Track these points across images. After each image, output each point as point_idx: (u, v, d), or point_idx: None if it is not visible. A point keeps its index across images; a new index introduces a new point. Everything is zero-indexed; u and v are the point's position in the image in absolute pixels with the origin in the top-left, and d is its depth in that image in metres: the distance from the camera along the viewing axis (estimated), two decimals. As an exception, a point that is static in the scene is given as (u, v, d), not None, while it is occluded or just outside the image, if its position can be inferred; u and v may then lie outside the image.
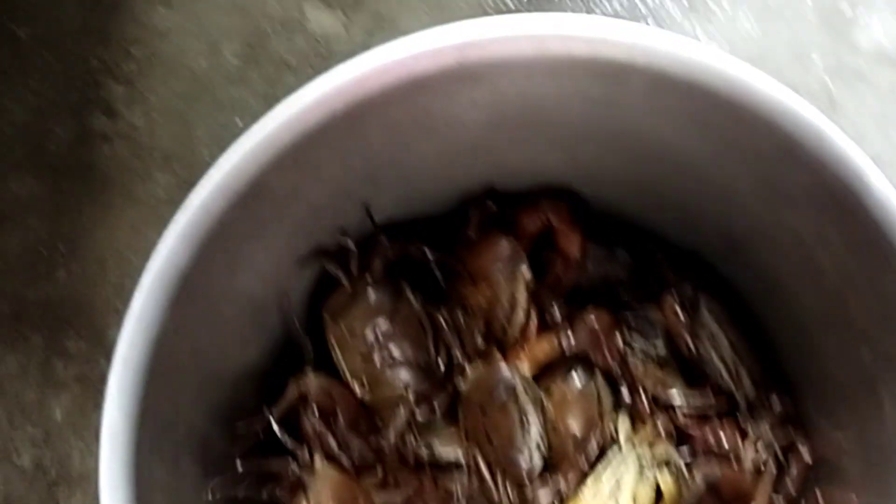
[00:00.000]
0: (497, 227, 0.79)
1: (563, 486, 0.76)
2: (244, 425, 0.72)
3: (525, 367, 0.78)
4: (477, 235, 0.79)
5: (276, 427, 0.74)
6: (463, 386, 0.77)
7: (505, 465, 0.76)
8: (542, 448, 0.76)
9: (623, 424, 0.78)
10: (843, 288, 0.68)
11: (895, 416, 0.66)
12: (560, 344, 0.78)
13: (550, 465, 0.77)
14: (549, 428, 0.77)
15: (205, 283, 0.63)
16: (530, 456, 0.75)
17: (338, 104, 0.60)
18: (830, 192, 0.62)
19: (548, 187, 0.79)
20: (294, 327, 0.77)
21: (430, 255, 0.78)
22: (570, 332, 0.78)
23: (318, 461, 0.75)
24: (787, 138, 0.61)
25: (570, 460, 0.76)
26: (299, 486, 0.75)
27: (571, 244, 0.80)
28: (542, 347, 0.79)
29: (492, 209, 0.79)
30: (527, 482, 0.75)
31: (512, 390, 0.76)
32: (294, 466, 0.74)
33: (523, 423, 0.75)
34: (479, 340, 0.78)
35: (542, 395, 0.78)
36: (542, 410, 0.77)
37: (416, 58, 0.60)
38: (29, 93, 1.06)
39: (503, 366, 0.77)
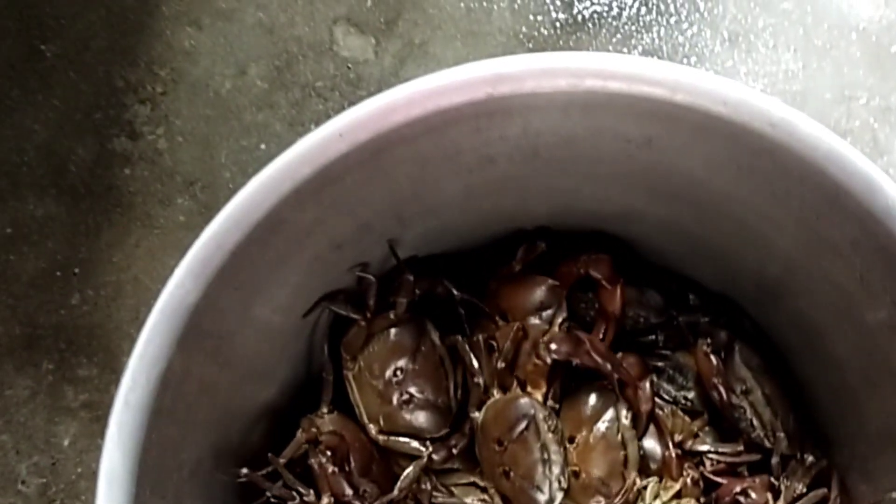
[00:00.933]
0: (536, 268, 0.77)
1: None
2: (250, 473, 0.70)
3: (539, 395, 0.76)
4: (519, 273, 0.77)
5: (282, 472, 0.71)
6: (479, 417, 0.75)
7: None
8: (563, 483, 0.73)
9: (650, 481, 0.76)
10: (888, 341, 0.65)
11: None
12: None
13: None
14: (570, 473, 0.74)
15: (217, 320, 0.61)
16: (550, 493, 0.73)
17: (362, 136, 0.58)
18: (878, 244, 0.60)
19: (583, 231, 0.77)
20: (318, 353, 0.75)
21: (456, 294, 0.75)
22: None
23: (326, 501, 0.72)
24: (834, 186, 0.59)
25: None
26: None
27: (613, 302, 0.77)
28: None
29: (542, 249, 0.76)
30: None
31: (532, 422, 0.73)
32: None
33: (544, 457, 0.73)
34: (501, 365, 0.75)
35: (565, 439, 0.75)
36: (563, 445, 0.74)
37: (444, 90, 0.58)
38: (52, 112, 1.05)
39: (522, 397, 0.74)
